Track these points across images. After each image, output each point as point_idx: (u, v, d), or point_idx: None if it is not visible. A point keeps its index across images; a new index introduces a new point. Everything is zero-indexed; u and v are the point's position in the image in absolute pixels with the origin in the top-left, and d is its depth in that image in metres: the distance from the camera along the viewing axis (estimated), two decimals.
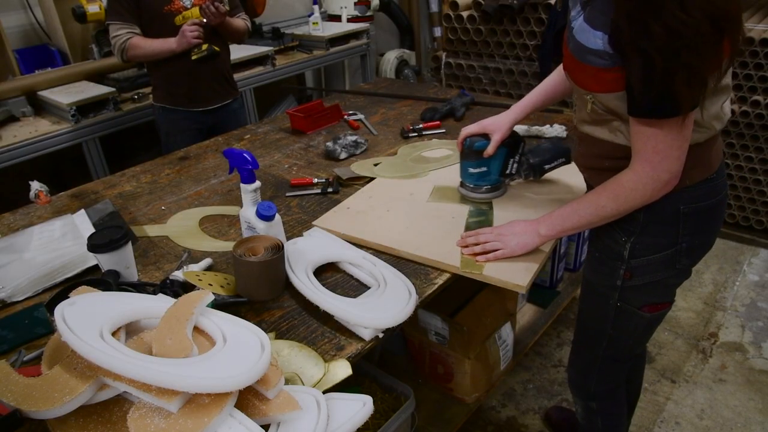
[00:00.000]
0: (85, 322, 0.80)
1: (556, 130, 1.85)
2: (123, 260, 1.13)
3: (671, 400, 2.00)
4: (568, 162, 1.47)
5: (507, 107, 1.43)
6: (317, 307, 1.05)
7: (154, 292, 1.05)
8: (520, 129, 1.88)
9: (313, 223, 1.38)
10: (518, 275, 1.14)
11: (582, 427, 1.50)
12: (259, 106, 3.09)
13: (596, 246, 1.21)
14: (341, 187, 1.59)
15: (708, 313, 2.42)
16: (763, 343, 2.23)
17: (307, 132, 2.03)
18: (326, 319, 1.05)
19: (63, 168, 2.70)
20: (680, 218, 1.07)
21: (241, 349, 0.82)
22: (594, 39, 0.92)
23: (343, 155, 1.77)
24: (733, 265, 2.72)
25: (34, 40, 2.76)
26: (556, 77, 1.34)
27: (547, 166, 1.45)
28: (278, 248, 1.12)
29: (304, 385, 0.89)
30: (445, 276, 1.18)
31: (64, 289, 0.99)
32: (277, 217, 1.20)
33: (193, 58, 2.14)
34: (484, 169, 1.40)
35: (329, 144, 1.79)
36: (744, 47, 2.50)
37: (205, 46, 2.14)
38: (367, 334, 1.00)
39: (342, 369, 0.94)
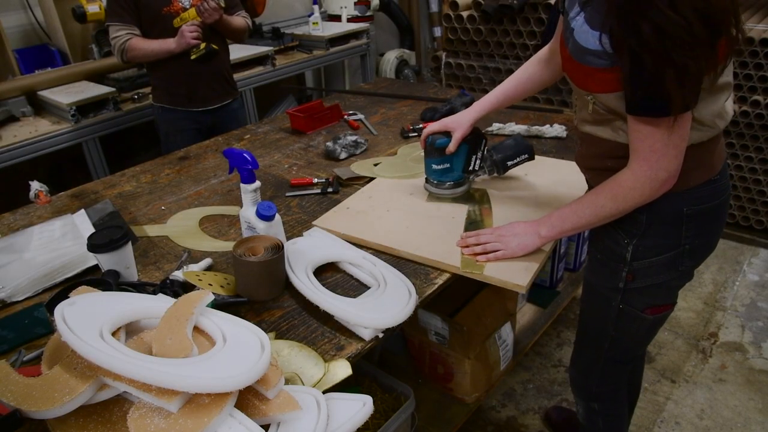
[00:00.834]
0: (85, 322, 0.80)
1: (556, 130, 1.85)
2: (123, 260, 1.13)
3: (671, 400, 2.00)
4: (531, 158, 1.50)
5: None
6: (317, 307, 1.05)
7: (154, 292, 1.05)
8: (520, 129, 1.89)
9: (313, 223, 1.38)
10: (518, 275, 1.14)
11: (583, 427, 1.50)
12: (259, 106, 3.09)
13: (598, 248, 1.20)
14: (341, 187, 1.59)
15: (708, 313, 2.42)
16: (763, 343, 2.23)
17: (307, 132, 2.03)
18: (326, 319, 1.05)
19: (63, 168, 2.70)
20: (683, 220, 1.07)
21: (241, 349, 0.82)
22: (593, 39, 0.92)
23: (343, 155, 1.77)
24: (733, 265, 2.72)
25: (34, 40, 2.77)
26: (522, 75, 1.35)
27: (510, 163, 1.49)
28: (278, 248, 1.12)
29: (304, 385, 0.89)
30: (445, 276, 1.18)
31: (64, 289, 0.99)
32: (277, 217, 1.20)
33: (192, 57, 2.14)
34: (446, 165, 1.43)
35: (329, 144, 1.79)
36: (744, 47, 2.50)
37: (203, 45, 2.13)
38: (367, 334, 1.00)
39: (342, 369, 0.94)
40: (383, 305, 1.04)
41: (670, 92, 0.87)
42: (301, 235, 1.33)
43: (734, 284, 2.59)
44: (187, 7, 2.12)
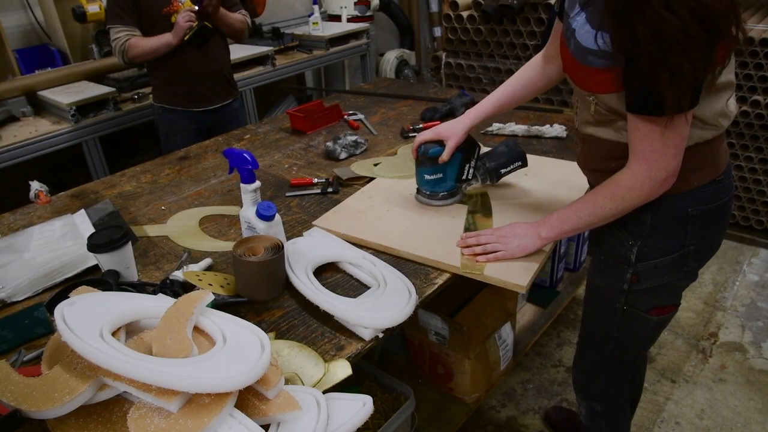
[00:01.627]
0: (85, 322, 0.80)
1: (556, 130, 1.85)
2: (123, 260, 1.13)
3: (671, 400, 2.00)
4: (524, 165, 1.48)
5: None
6: (317, 307, 1.05)
7: (154, 292, 1.05)
8: (520, 129, 1.89)
9: (313, 223, 1.38)
10: (518, 275, 1.14)
11: (586, 428, 1.49)
12: (259, 106, 3.09)
13: (601, 249, 1.20)
14: (341, 187, 1.59)
15: (708, 313, 2.42)
16: (763, 343, 2.23)
17: (307, 132, 2.03)
18: (326, 319, 1.05)
19: (63, 168, 2.70)
20: (688, 221, 1.06)
21: (241, 349, 0.82)
22: (594, 40, 0.92)
23: (343, 155, 1.77)
24: (733, 265, 2.72)
25: (34, 40, 2.77)
26: (517, 81, 1.32)
27: (503, 170, 1.46)
28: (278, 248, 1.12)
29: (304, 385, 0.89)
30: (445, 276, 1.18)
31: (64, 289, 0.99)
32: (277, 217, 1.20)
33: (185, 39, 2.10)
34: (439, 175, 1.40)
35: (329, 144, 1.79)
36: (744, 47, 2.50)
37: (195, 24, 2.08)
38: (367, 334, 1.00)
39: (342, 369, 0.94)
40: (383, 305, 1.04)
41: (664, 93, 0.87)
42: (301, 235, 1.33)
43: (734, 284, 2.59)
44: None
